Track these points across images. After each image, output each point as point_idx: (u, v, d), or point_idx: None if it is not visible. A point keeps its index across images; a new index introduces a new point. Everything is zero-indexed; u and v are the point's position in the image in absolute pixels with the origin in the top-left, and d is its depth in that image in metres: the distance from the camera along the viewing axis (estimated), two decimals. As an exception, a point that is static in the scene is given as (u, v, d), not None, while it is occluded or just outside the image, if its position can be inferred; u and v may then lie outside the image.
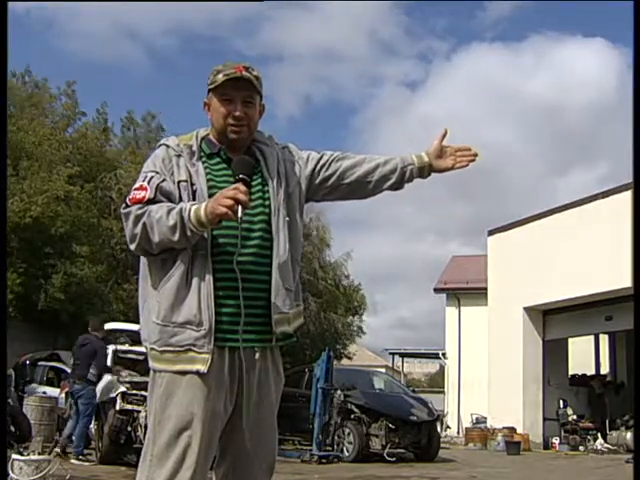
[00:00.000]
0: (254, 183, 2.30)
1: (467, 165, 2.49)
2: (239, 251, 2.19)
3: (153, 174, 2.24)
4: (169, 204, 2.18)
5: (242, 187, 2.13)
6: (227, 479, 2.32)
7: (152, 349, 2.20)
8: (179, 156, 2.28)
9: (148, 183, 2.21)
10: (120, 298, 18.95)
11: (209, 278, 2.17)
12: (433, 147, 2.48)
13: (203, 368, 2.13)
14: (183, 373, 2.15)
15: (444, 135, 2.48)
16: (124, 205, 2.22)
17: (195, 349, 2.14)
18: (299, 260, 2.40)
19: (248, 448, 2.27)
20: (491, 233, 19.48)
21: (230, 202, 2.09)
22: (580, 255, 15.62)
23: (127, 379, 9.14)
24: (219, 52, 61.07)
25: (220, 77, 2.29)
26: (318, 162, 2.47)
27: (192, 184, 2.24)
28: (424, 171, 2.49)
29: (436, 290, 24.45)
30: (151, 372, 2.25)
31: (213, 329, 2.16)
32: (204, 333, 2.14)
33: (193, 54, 66.88)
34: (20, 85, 21.53)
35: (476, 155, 2.50)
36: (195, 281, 2.17)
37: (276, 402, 2.37)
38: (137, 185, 2.24)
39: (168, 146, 2.32)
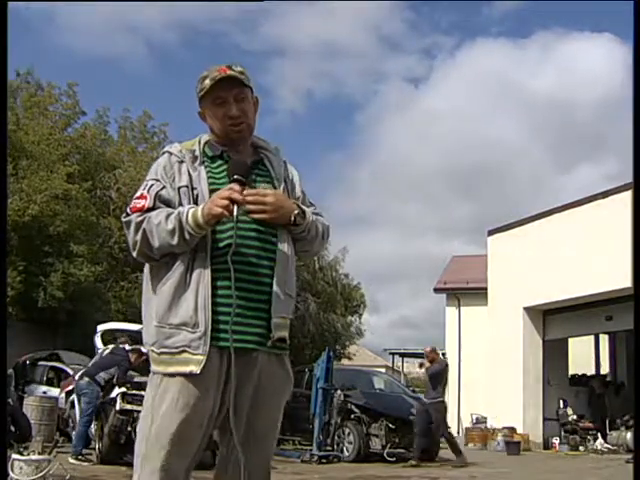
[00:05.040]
0: (262, 185, 2.34)
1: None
2: (235, 242, 2.19)
3: (153, 182, 2.28)
4: (168, 209, 2.21)
5: (237, 187, 2.17)
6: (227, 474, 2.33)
7: (152, 351, 2.22)
8: (181, 162, 2.31)
9: (148, 191, 2.25)
10: (119, 297, 18.96)
11: (207, 280, 2.18)
12: None
13: (196, 369, 2.13)
14: (178, 375, 2.15)
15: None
16: (125, 214, 2.26)
17: (190, 350, 2.15)
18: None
19: (238, 449, 2.23)
20: (491, 233, 19.47)
21: (225, 202, 2.13)
22: (580, 255, 15.62)
23: (127, 379, 9.14)
24: (220, 47, 61.04)
25: (207, 82, 2.31)
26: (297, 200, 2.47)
27: (193, 188, 2.27)
28: None
29: (436, 290, 24.44)
30: (150, 373, 2.27)
31: (209, 330, 2.16)
32: (199, 335, 2.15)
33: (194, 50, 66.86)
34: (25, 85, 21.54)
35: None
36: (193, 283, 2.18)
37: (280, 407, 2.36)
38: (138, 194, 2.28)
39: (171, 153, 2.35)
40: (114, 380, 9.04)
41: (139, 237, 2.19)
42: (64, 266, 17.18)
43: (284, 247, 2.31)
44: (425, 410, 11.24)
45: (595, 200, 15.95)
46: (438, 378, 11.35)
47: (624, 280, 12.69)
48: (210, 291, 2.17)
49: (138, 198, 2.25)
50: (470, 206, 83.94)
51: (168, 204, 2.24)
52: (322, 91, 79.46)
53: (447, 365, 11.88)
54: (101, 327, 11.76)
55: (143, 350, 9.50)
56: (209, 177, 2.30)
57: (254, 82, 2.41)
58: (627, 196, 13.80)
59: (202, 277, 2.18)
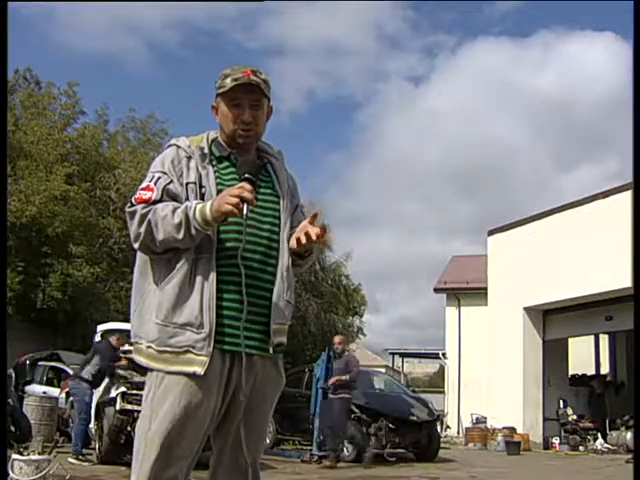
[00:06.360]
0: (265, 191, 2.35)
1: (310, 243, 2.20)
2: (244, 246, 2.19)
3: (160, 175, 2.24)
4: (175, 203, 2.18)
5: (247, 186, 2.14)
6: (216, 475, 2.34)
7: (149, 347, 2.19)
8: (190, 158, 2.28)
9: (155, 184, 2.21)
10: (118, 297, 18.95)
11: (213, 280, 2.17)
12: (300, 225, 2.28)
13: (200, 370, 2.12)
14: (180, 374, 2.14)
15: (314, 215, 2.22)
16: (129, 204, 2.22)
17: (194, 351, 2.14)
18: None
19: (230, 448, 2.29)
20: (491, 233, 19.48)
21: (236, 200, 2.10)
22: (580, 255, 15.62)
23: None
24: (220, 46, 60.89)
25: (229, 82, 2.29)
26: (296, 208, 2.48)
27: (201, 186, 2.24)
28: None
29: (436, 290, 24.42)
30: (149, 372, 2.25)
31: (213, 332, 2.15)
32: (204, 336, 2.14)
33: (194, 49, 66.81)
34: (23, 82, 21.54)
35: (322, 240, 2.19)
36: (198, 282, 2.17)
37: (272, 409, 2.38)
38: (144, 185, 2.23)
39: (179, 147, 2.31)
40: (93, 369, 9.06)
41: (143, 229, 2.15)
42: (63, 267, 17.19)
43: (285, 254, 2.31)
44: (330, 404, 10.71)
45: (595, 200, 15.96)
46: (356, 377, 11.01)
47: (624, 280, 12.68)
48: (215, 293, 2.16)
49: (144, 189, 2.21)
50: (470, 206, 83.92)
51: (175, 199, 2.21)
52: (323, 90, 79.41)
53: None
54: (101, 327, 11.74)
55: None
56: (216, 177, 2.28)
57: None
58: (627, 196, 13.78)
59: (207, 278, 2.16)
